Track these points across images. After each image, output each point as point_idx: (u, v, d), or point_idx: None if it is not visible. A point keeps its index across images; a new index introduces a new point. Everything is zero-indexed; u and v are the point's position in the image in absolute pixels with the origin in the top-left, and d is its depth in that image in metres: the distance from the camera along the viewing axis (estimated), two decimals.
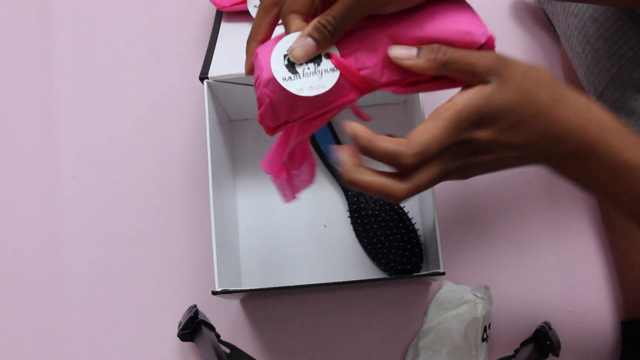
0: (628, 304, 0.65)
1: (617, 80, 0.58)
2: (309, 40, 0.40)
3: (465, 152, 0.40)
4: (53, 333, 0.71)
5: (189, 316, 0.64)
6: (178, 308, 0.68)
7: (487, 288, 0.67)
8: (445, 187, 0.71)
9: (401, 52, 0.40)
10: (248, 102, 0.68)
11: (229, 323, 0.69)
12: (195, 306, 0.67)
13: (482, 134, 0.39)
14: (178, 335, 0.64)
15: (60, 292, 0.72)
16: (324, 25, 0.40)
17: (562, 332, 0.65)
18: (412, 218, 0.68)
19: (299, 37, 0.40)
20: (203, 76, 0.62)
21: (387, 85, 0.42)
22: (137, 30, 0.80)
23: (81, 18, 0.81)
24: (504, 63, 0.39)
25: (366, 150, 0.39)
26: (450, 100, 0.39)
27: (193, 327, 0.63)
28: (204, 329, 0.63)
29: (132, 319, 0.71)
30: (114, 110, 0.78)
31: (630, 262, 0.65)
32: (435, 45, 0.40)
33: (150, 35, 0.80)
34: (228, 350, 0.64)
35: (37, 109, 0.78)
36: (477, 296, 0.66)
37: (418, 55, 0.39)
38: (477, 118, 0.38)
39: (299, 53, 0.40)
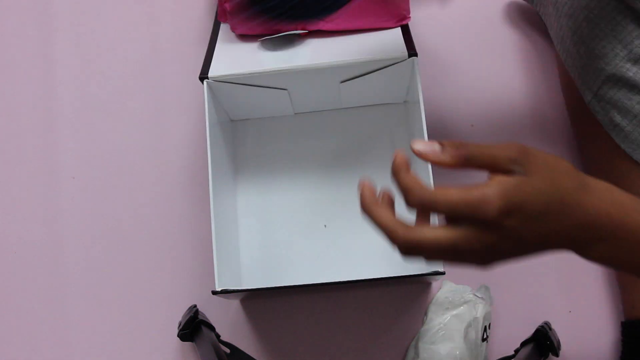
0: (628, 304, 0.65)
1: (611, 80, 0.59)
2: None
3: (486, 234, 0.38)
4: (53, 333, 0.71)
5: (189, 316, 0.64)
6: (178, 308, 0.68)
7: (487, 288, 0.67)
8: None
9: (424, 148, 0.41)
10: (248, 102, 0.68)
11: (229, 323, 0.69)
12: (195, 306, 0.67)
13: (510, 222, 0.38)
14: (178, 335, 0.64)
15: (60, 292, 0.72)
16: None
17: (562, 332, 0.65)
18: None
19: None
20: (203, 76, 0.62)
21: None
22: (137, 30, 0.80)
23: (81, 18, 0.81)
24: (526, 152, 0.39)
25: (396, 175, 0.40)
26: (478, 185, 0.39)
27: (193, 327, 0.63)
28: (204, 329, 0.63)
29: (132, 319, 0.71)
30: (114, 110, 0.78)
31: None
32: (457, 141, 0.40)
33: (150, 35, 0.80)
34: (228, 350, 0.65)
35: (37, 109, 0.78)
36: (477, 296, 0.66)
37: (442, 151, 0.40)
38: (506, 205, 0.37)
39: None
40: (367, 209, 0.41)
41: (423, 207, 0.39)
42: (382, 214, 0.40)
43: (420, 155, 0.41)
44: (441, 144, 0.41)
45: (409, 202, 0.39)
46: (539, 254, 0.41)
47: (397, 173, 0.40)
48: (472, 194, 0.38)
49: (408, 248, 0.39)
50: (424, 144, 0.41)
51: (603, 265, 0.43)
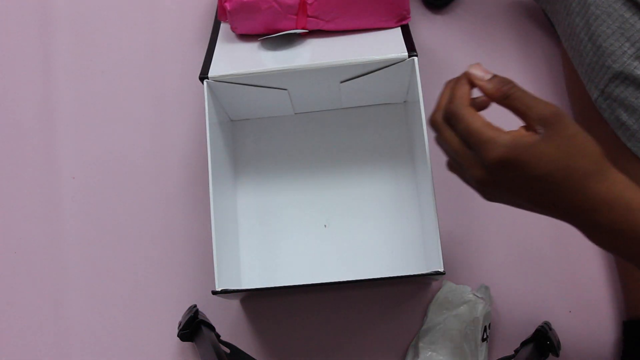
0: (630, 303, 0.65)
1: (618, 78, 0.58)
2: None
3: (481, 170, 0.43)
4: (53, 333, 0.71)
5: (189, 316, 0.64)
6: (178, 308, 0.69)
7: (487, 288, 0.67)
8: (445, 187, 0.71)
9: (478, 73, 0.45)
10: (248, 102, 0.68)
11: (229, 323, 0.69)
12: (195, 306, 0.67)
13: (502, 173, 0.42)
14: (178, 335, 0.64)
15: (60, 292, 0.72)
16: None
17: (562, 332, 0.65)
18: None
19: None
20: (203, 76, 0.62)
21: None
22: (137, 30, 0.80)
23: (81, 18, 0.81)
24: (558, 119, 0.41)
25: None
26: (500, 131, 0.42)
27: (193, 327, 0.63)
28: (204, 329, 0.63)
29: (132, 319, 0.71)
30: (114, 110, 0.78)
31: None
32: (508, 79, 0.44)
33: (150, 35, 0.80)
34: (228, 350, 0.65)
35: (37, 109, 0.78)
36: (477, 296, 0.66)
37: (490, 80, 0.45)
38: (507, 158, 0.41)
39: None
40: (446, 84, 0.47)
41: (451, 117, 0.44)
42: (445, 95, 0.46)
43: (469, 76, 0.45)
44: (494, 75, 0.45)
45: (447, 107, 0.45)
46: (540, 212, 0.45)
47: (460, 79, 0.45)
48: (487, 132, 0.42)
49: (434, 123, 0.46)
50: (479, 69, 0.45)
51: (605, 250, 0.46)
